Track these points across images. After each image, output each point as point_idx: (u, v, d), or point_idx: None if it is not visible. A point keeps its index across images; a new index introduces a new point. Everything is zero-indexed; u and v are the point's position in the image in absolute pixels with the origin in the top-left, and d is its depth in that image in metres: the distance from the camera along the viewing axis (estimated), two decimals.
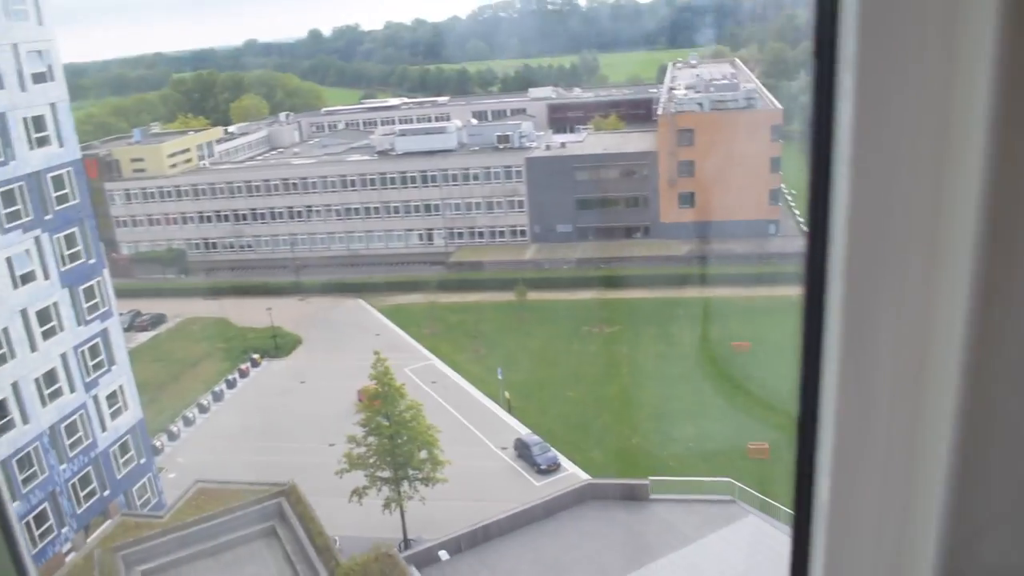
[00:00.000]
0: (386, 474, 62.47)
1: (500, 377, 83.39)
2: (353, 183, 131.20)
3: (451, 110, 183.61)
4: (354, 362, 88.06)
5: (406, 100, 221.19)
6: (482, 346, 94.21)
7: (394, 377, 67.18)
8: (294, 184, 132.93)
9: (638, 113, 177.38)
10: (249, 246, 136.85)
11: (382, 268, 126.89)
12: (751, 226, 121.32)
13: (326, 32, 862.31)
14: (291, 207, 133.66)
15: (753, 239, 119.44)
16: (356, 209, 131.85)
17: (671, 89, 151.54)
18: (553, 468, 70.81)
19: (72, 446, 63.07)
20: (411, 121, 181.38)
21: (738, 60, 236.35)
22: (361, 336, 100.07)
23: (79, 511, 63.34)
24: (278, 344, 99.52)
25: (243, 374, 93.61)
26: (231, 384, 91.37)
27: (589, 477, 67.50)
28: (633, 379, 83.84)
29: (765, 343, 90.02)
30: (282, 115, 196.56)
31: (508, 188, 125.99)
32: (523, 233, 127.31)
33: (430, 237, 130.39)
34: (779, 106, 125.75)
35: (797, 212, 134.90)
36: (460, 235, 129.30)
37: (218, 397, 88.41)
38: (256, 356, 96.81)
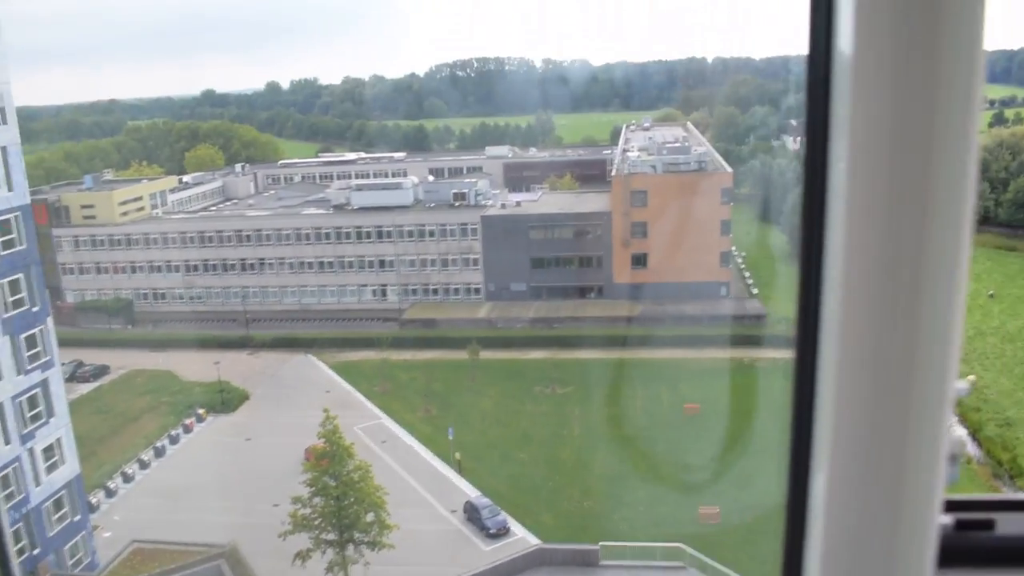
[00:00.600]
0: (331, 536, 61.18)
1: (451, 437, 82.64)
2: (308, 236, 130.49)
3: (408, 166, 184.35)
4: (302, 419, 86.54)
5: (363, 155, 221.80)
6: (433, 405, 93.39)
7: (343, 436, 66.20)
8: (248, 236, 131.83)
9: (592, 174, 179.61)
10: (199, 298, 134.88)
11: (334, 324, 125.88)
12: (702, 288, 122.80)
13: (284, 85, 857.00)
14: (244, 259, 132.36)
15: (704, 301, 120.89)
16: (310, 263, 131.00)
17: (625, 151, 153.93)
18: (503, 532, 69.83)
19: (2, 501, 60.80)
20: (368, 176, 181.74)
21: (690, 124, 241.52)
22: (310, 393, 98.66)
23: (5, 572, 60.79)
24: (225, 399, 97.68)
25: (187, 429, 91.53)
26: (174, 440, 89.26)
27: (539, 542, 66.82)
28: (585, 441, 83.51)
29: (716, 405, 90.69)
30: (238, 166, 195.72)
31: (463, 245, 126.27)
32: (477, 291, 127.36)
33: (384, 293, 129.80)
34: (729, 169, 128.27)
35: (747, 274, 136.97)
36: (414, 292, 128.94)
37: (160, 453, 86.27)
38: (201, 411, 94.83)
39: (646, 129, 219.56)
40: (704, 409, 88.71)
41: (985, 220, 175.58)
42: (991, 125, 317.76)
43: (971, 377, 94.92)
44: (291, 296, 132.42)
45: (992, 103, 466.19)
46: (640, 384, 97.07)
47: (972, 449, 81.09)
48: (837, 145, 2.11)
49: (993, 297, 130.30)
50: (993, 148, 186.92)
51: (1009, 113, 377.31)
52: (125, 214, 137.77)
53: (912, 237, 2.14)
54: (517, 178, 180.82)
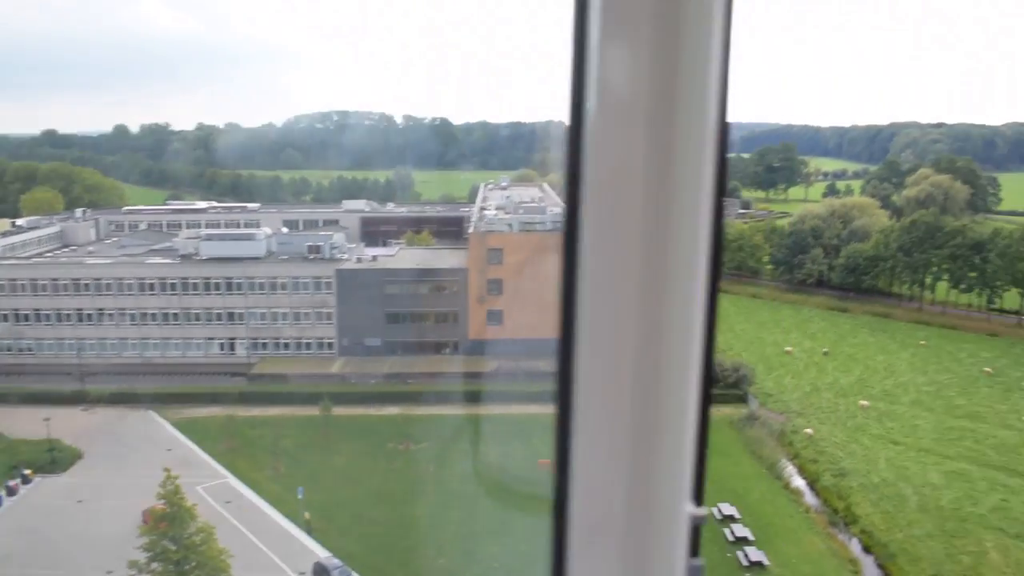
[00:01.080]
0: None
1: (300, 496, 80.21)
2: (152, 287, 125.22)
3: (261, 217, 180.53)
4: (141, 480, 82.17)
5: (214, 204, 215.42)
6: (283, 463, 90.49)
7: (184, 496, 63.34)
8: (86, 285, 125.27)
9: (450, 230, 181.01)
10: (29, 350, 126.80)
11: (178, 378, 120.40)
12: (555, 344, 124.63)
13: (133, 128, 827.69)
14: (80, 309, 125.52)
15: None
16: (153, 314, 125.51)
17: (482, 209, 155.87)
18: None
19: None
20: (219, 226, 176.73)
21: (546, 184, 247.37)
22: (150, 451, 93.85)
23: None
24: (55, 458, 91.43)
25: (11, 491, 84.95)
26: None
27: None
28: (439, 498, 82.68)
29: None
30: (78, 211, 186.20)
31: (317, 299, 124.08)
32: (330, 346, 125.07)
33: (232, 347, 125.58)
34: None
35: None
36: (264, 346, 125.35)
37: None
38: (28, 471, 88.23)
39: (503, 188, 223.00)
40: None
41: (820, 283, 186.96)
42: (825, 195, 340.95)
43: (808, 430, 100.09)
44: (132, 349, 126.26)
45: (825, 175, 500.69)
46: (494, 440, 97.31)
47: (810, 499, 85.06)
48: (586, 197, 2.46)
49: (828, 355, 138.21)
50: (826, 216, 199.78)
51: (840, 185, 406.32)
52: None
53: (653, 278, 2.50)
54: (374, 232, 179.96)
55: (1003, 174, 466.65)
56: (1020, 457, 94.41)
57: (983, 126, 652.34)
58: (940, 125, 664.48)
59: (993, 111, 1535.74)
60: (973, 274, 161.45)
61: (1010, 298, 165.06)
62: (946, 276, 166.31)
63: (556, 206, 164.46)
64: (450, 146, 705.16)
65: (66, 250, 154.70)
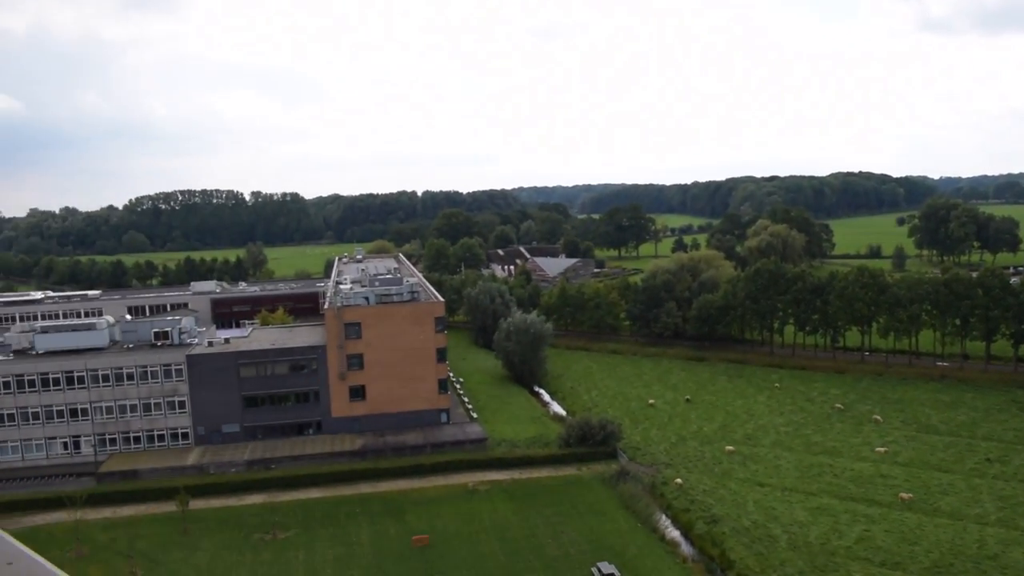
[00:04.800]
0: None
1: None
2: None
3: (104, 305, 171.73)
4: None
5: (50, 294, 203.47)
6: (139, 566, 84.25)
7: None
8: None
9: (306, 307, 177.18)
10: None
11: (17, 484, 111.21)
12: (423, 416, 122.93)
13: None
14: None
15: (426, 428, 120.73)
16: None
17: (338, 283, 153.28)
18: None
19: None
20: (56, 316, 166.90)
21: (401, 255, 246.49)
22: None
23: None
24: None
25: None
26: None
27: None
28: None
29: (445, 534, 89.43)
30: None
31: (168, 388, 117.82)
32: (185, 435, 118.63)
33: (77, 445, 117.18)
34: (441, 298, 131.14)
35: (466, 399, 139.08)
36: (113, 441, 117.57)
37: None
38: None
39: (359, 261, 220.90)
40: (434, 539, 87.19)
41: (676, 335, 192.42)
42: (673, 250, 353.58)
43: (677, 480, 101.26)
44: None
45: (672, 231, 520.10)
46: (365, 520, 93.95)
47: (687, 548, 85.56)
48: None
49: (690, 402, 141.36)
50: (676, 271, 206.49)
51: (687, 239, 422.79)
52: None
53: None
54: (226, 313, 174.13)
55: (834, 220, 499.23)
56: (876, 487, 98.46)
57: (812, 177, 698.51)
58: (773, 178, 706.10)
59: (820, 163, 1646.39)
60: (816, 316, 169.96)
61: (852, 336, 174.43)
62: (792, 320, 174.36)
63: (412, 276, 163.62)
64: (301, 220, 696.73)
65: None
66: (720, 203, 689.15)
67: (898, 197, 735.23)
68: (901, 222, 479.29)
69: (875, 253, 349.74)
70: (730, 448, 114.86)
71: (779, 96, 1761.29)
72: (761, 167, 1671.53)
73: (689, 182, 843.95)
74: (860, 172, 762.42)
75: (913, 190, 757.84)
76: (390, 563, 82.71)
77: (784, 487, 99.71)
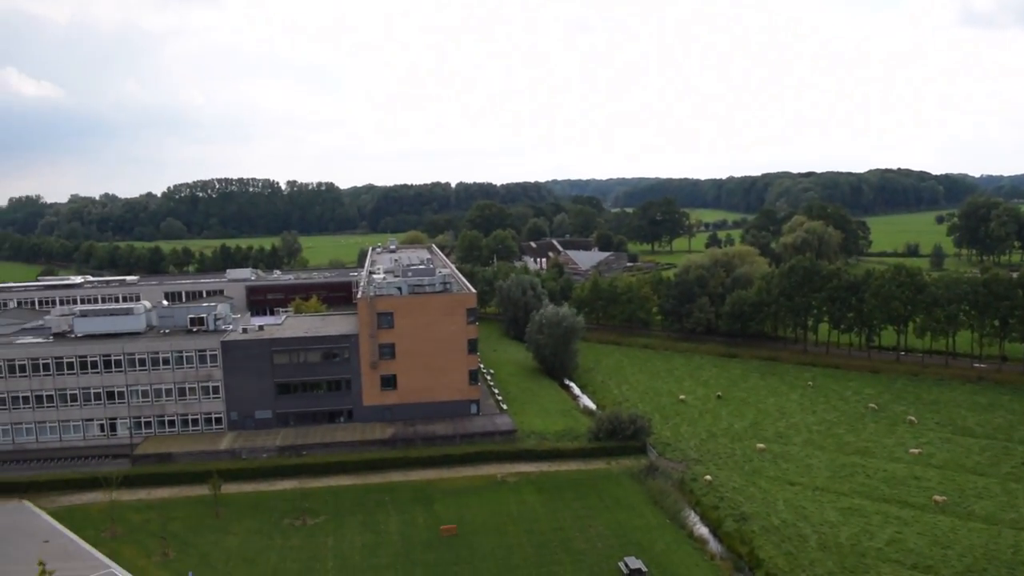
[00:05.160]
0: None
1: None
2: (23, 368, 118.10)
3: (141, 290, 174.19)
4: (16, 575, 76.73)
5: (90, 278, 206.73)
6: (171, 547, 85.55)
7: None
8: None
9: (339, 296, 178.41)
10: None
11: (55, 464, 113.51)
12: (452, 406, 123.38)
13: (1, 202, 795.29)
14: None
15: (455, 419, 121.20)
16: (25, 397, 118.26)
17: (371, 273, 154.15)
18: None
19: None
20: (95, 301, 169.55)
21: (434, 246, 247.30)
22: (25, 544, 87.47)
23: None
24: None
25: None
26: None
27: None
28: (339, 573, 79.30)
29: (473, 524, 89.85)
30: None
31: (202, 373, 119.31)
32: (219, 421, 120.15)
33: (113, 427, 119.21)
34: (473, 290, 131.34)
35: (496, 391, 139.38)
36: (148, 424, 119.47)
37: None
38: None
39: (392, 251, 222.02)
40: (461, 530, 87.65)
41: (708, 331, 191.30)
42: (707, 245, 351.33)
43: (707, 477, 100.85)
44: (2, 435, 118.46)
45: (706, 226, 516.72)
46: (394, 509, 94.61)
47: (715, 545, 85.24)
48: None
49: (721, 399, 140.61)
50: (710, 266, 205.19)
51: (721, 234, 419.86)
52: None
53: None
54: (261, 301, 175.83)
55: (871, 218, 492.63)
56: (909, 489, 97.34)
57: (849, 173, 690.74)
58: (810, 174, 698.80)
59: (857, 159, 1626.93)
60: (851, 314, 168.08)
61: (887, 335, 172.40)
62: (826, 318, 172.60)
63: (445, 267, 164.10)
64: (337, 210, 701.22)
65: None
66: (755, 198, 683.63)
67: (937, 195, 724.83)
68: (940, 220, 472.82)
69: (913, 251, 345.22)
70: (761, 446, 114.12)
71: (816, 91, 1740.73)
72: (797, 163, 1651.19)
73: (724, 177, 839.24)
74: (899, 169, 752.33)
75: (953, 188, 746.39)
76: (418, 552, 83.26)
77: (815, 486, 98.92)
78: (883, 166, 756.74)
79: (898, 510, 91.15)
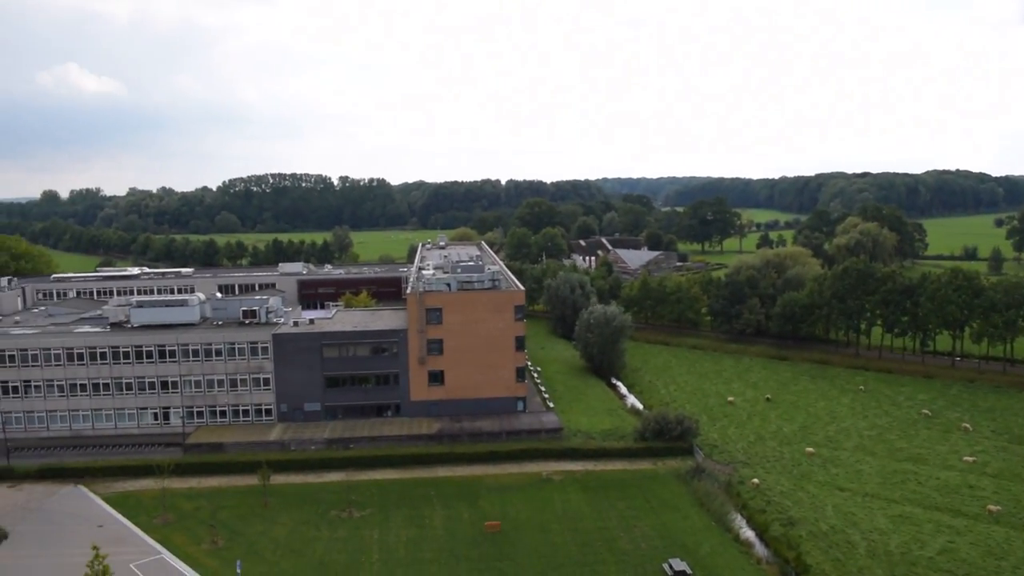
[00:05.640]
0: None
1: (239, 570, 77.16)
2: (81, 356, 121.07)
3: (196, 282, 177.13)
4: (71, 558, 78.51)
5: (146, 270, 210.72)
6: (221, 536, 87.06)
7: None
8: (11, 356, 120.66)
9: (388, 291, 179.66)
10: None
11: (109, 451, 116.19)
12: (499, 403, 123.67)
13: (63, 194, 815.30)
14: (6, 381, 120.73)
15: (501, 416, 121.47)
16: (83, 385, 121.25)
17: (420, 269, 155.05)
18: None
19: None
20: (151, 292, 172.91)
21: (484, 243, 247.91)
22: (80, 528, 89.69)
23: None
24: None
25: None
26: None
27: None
28: (384, 566, 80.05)
29: (517, 521, 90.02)
30: (3, 279, 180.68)
31: (253, 365, 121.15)
32: (268, 412, 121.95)
33: (166, 416, 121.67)
34: (521, 287, 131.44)
35: (543, 389, 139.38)
36: (200, 414, 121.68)
37: None
38: None
39: (441, 247, 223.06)
40: (505, 527, 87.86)
41: (758, 332, 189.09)
42: (758, 246, 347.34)
43: (754, 480, 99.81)
44: (60, 422, 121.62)
45: (758, 226, 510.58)
46: (439, 503, 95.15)
47: (761, 549, 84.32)
48: None
49: (770, 401, 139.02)
50: (761, 267, 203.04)
51: (773, 235, 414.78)
52: None
53: None
54: (312, 295, 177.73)
55: (927, 220, 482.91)
56: (963, 497, 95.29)
57: (906, 174, 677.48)
58: (865, 175, 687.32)
59: (914, 160, 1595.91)
60: (905, 318, 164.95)
61: (942, 340, 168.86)
62: (880, 321, 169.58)
63: (494, 264, 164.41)
64: (387, 206, 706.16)
65: None
66: (808, 199, 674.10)
67: (997, 197, 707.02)
68: (999, 223, 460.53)
69: (971, 255, 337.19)
70: (810, 450, 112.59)
71: (872, 91, 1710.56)
72: (852, 163, 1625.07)
73: (777, 176, 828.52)
74: (957, 170, 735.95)
75: (1013, 190, 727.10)
76: (462, 547, 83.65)
77: (865, 493, 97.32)
78: (941, 167, 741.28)
79: (951, 519, 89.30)
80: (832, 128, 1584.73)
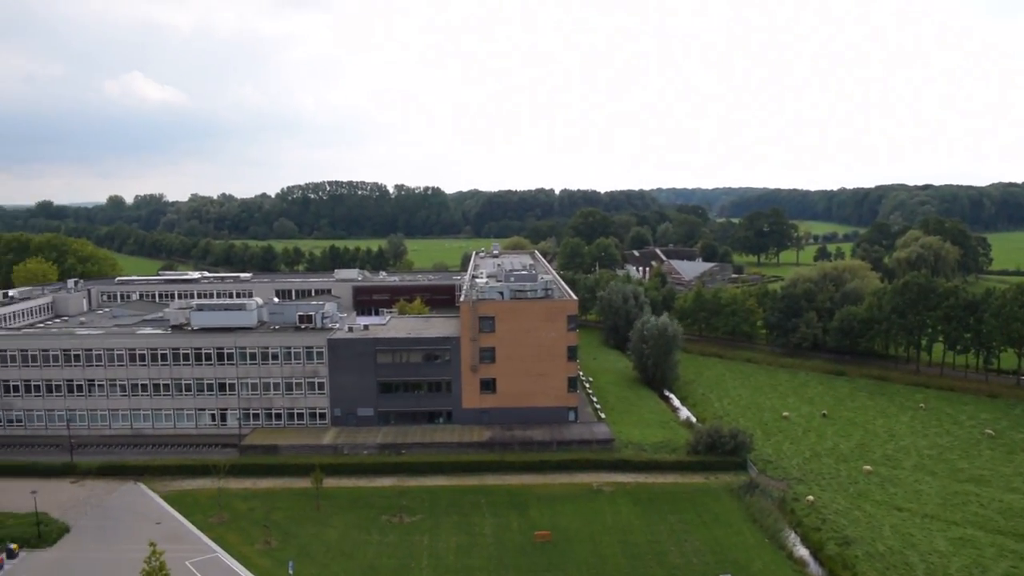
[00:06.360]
0: None
1: (291, 572, 78.08)
2: (143, 357, 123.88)
3: (254, 287, 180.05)
4: (128, 554, 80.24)
5: (206, 274, 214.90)
6: (274, 537, 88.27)
7: (169, 573, 61.41)
8: (76, 355, 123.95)
9: (442, 299, 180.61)
10: (18, 421, 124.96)
11: (168, 450, 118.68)
12: (550, 413, 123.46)
13: (128, 199, 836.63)
14: (71, 380, 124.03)
15: (552, 426, 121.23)
16: (144, 385, 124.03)
17: (474, 277, 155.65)
18: None
19: None
20: (211, 295, 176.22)
21: (537, 252, 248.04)
22: (139, 525, 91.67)
23: None
24: (42, 532, 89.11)
25: None
26: None
27: None
28: (433, 572, 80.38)
29: (567, 532, 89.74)
30: (71, 282, 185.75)
31: (308, 369, 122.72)
32: (323, 416, 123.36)
33: (223, 417, 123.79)
34: (574, 297, 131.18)
35: (595, 399, 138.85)
36: (256, 416, 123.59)
37: None
38: (13, 546, 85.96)
39: (495, 256, 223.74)
40: (555, 537, 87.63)
41: (815, 347, 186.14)
42: (816, 258, 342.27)
43: (809, 497, 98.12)
44: (122, 420, 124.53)
45: (816, 238, 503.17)
46: (489, 511, 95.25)
47: (815, 569, 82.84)
48: None
49: (826, 417, 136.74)
50: (818, 280, 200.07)
51: (831, 247, 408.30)
52: None
53: None
54: (367, 301, 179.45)
55: (992, 234, 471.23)
56: None
57: (970, 187, 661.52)
58: (927, 187, 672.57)
59: (978, 172, 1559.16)
60: (968, 335, 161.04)
61: (1007, 358, 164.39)
62: (941, 337, 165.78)
63: (547, 273, 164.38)
64: (442, 214, 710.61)
65: (57, 320, 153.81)
66: (868, 211, 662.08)
67: None
68: None
69: None
70: (868, 468, 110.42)
71: (935, 100, 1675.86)
72: (913, 175, 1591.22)
73: (835, 188, 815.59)
74: None
75: None
76: (511, 556, 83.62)
77: (924, 513, 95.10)
78: (1007, 179, 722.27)
79: (1014, 543, 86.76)
80: (894, 139, 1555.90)
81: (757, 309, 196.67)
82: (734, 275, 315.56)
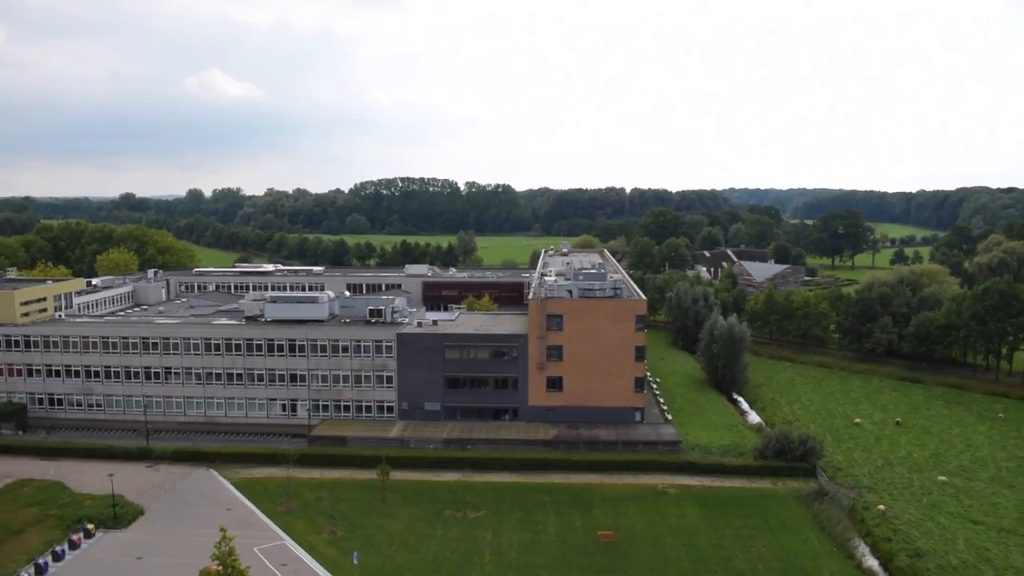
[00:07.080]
0: None
1: (356, 562, 79.23)
2: (217, 347, 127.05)
3: (326, 280, 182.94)
4: (199, 538, 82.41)
5: (280, 266, 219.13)
6: (340, 527, 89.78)
7: (238, 559, 62.88)
8: (155, 343, 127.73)
9: (510, 296, 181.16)
10: (99, 405, 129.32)
11: (240, 438, 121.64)
12: (617, 413, 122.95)
13: (207, 193, 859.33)
14: (149, 367, 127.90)
15: (618, 426, 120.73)
16: (218, 374, 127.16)
17: (542, 275, 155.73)
18: None
19: None
20: (284, 288, 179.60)
21: (606, 251, 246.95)
22: (210, 510, 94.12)
23: None
24: (117, 514, 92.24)
25: (73, 545, 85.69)
26: (58, 556, 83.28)
27: None
28: (496, 568, 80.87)
29: (631, 533, 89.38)
30: (150, 271, 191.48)
31: (377, 362, 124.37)
32: (390, 409, 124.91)
33: (294, 408, 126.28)
34: (643, 297, 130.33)
35: (662, 400, 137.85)
36: (325, 408, 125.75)
37: (41, 570, 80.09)
38: (90, 526, 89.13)
39: (564, 254, 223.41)
40: (619, 537, 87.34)
41: (889, 352, 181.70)
42: (892, 262, 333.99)
43: (880, 507, 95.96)
44: (196, 408, 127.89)
45: (892, 241, 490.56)
46: (553, 509, 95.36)
47: None
48: None
49: (900, 425, 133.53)
50: (895, 284, 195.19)
51: (908, 251, 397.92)
52: (27, 314, 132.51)
53: None
54: (436, 296, 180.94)
55: None
56: None
57: None
58: (1011, 190, 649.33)
59: None
60: None
61: None
62: (1023, 346, 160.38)
63: (616, 272, 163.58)
64: (512, 211, 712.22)
65: (137, 309, 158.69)
66: (948, 214, 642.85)
67: None
68: None
69: None
70: (943, 478, 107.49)
71: (1019, 99, 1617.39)
72: (997, 177, 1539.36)
73: (914, 190, 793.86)
74: None
75: None
76: (574, 555, 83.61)
77: (1001, 527, 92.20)
78: None
79: None
80: (977, 139, 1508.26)
81: (830, 313, 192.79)
82: (807, 278, 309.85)
